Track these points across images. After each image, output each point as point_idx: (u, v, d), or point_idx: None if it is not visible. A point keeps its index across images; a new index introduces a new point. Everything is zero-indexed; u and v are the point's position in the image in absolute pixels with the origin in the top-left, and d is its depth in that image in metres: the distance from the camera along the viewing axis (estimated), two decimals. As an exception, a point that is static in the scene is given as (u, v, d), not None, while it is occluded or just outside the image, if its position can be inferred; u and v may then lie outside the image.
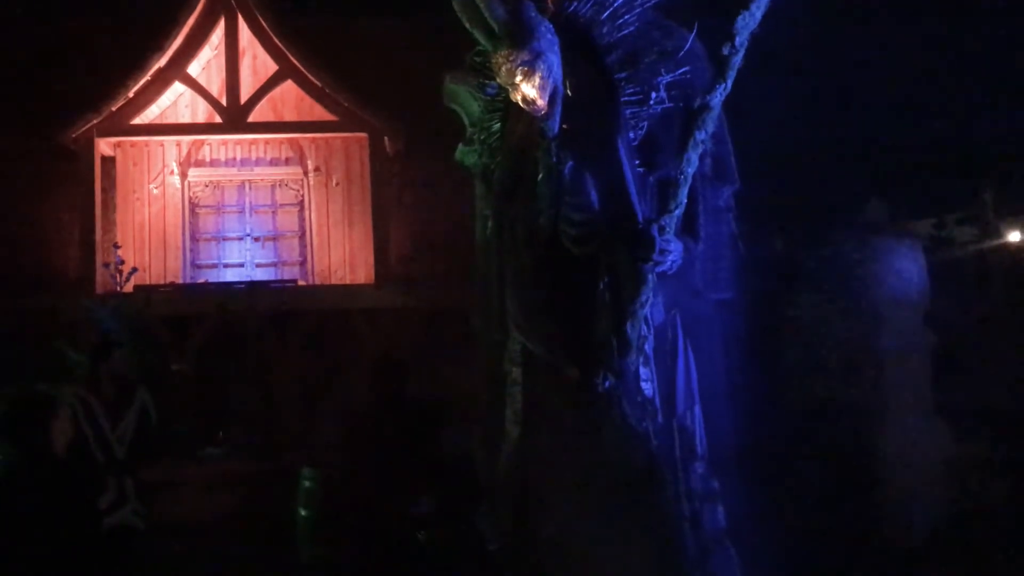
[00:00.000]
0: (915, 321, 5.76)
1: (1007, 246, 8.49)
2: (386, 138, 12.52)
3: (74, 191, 12.52)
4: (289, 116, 13.00)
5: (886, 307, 5.71)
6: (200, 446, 8.61)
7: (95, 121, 12.31)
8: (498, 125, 5.14)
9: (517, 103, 4.84)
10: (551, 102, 4.77)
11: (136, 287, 11.56)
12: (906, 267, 5.81)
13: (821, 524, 5.09)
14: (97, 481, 4.65)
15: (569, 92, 4.84)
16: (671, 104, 4.91)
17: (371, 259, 12.20)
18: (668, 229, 4.65)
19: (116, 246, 11.23)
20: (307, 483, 5.49)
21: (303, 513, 5.50)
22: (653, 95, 4.92)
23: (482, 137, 5.19)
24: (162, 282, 12.20)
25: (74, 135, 12.24)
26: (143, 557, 4.94)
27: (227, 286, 11.73)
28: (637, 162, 4.87)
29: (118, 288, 10.47)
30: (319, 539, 5.14)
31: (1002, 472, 5.31)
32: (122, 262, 10.79)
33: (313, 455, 5.52)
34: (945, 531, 5.15)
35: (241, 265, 12.87)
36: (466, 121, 5.47)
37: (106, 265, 11.03)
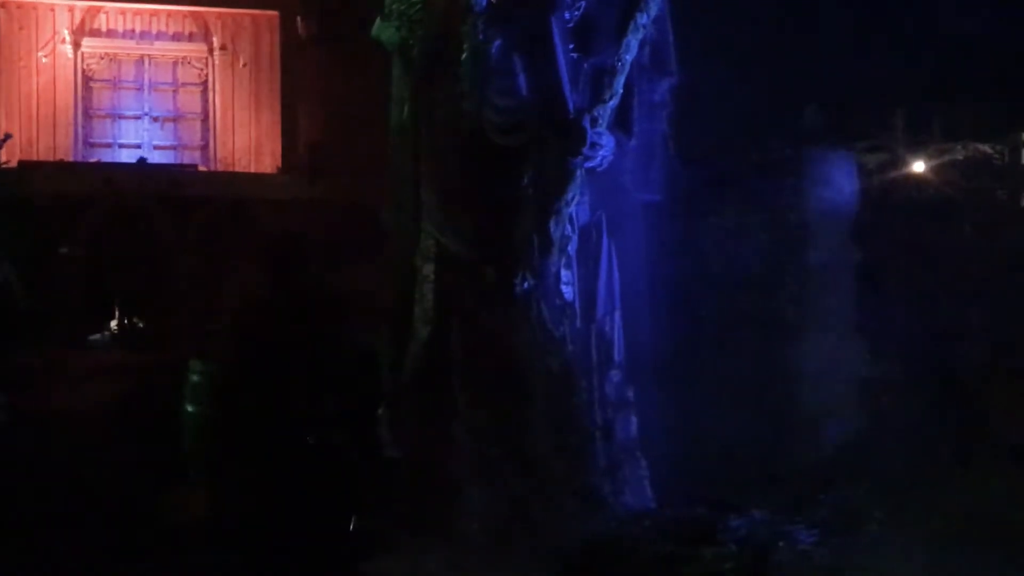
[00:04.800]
0: (842, 237, 5.63)
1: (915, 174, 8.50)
2: (299, 17, 11.78)
3: (-50, 54, 11.49)
4: (195, -13, 12.12)
5: (814, 220, 5.55)
6: (85, 333, 8.10)
7: (-26, -23, 11.23)
8: (420, -5, 4.69)
9: (443, -29, 4.42)
10: (480, -27, 4.36)
11: (21, 162, 10.75)
12: (838, 180, 5.63)
13: (732, 439, 4.99)
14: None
15: (501, -37, 4.43)
16: (613, -17, 4.54)
17: (278, 147, 11.63)
18: (601, 121, 4.34)
19: (-11, 111, 10.30)
20: (195, 377, 5.10)
21: (190, 409, 5.13)
22: (594, -28, 4.54)
23: (401, 7, 4.73)
24: (51, 159, 11.40)
25: (-50, -10, 11.14)
26: (7, 449, 4.52)
27: (116, 165, 11.01)
28: (571, 46, 4.50)
29: (-8, 156, 9.68)
30: (206, 438, 4.79)
31: (914, 394, 5.27)
32: (-5, 128, 9.92)
33: (204, 348, 5.13)
34: (853, 451, 5.11)
35: (138, 146, 12.09)
36: (385, -8, 4.97)
37: (-23, 131, 10.15)
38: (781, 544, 4.07)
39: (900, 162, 7.26)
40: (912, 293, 5.78)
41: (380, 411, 3.78)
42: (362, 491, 3.79)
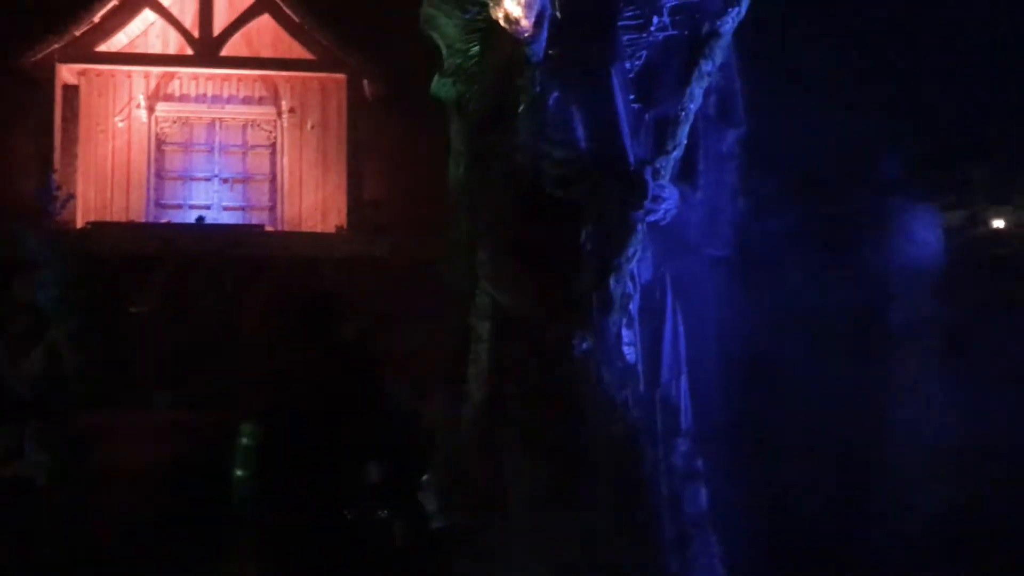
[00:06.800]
0: (928, 294, 5.27)
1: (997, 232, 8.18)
2: (365, 80, 11.93)
3: (33, 119, 11.89)
4: (264, 52, 12.37)
5: (897, 276, 5.21)
6: (144, 393, 8.08)
7: (57, 45, 11.66)
8: (476, 48, 4.54)
9: (499, 22, 4.27)
10: (537, 23, 4.20)
11: (92, 223, 10.99)
12: (922, 234, 5.30)
13: (813, 512, 4.62)
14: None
15: (558, 13, 4.27)
16: (675, 32, 4.33)
17: (344, 207, 11.69)
18: (663, 173, 4.10)
19: (52, 171, 10.57)
20: (245, 440, 4.94)
21: (239, 474, 4.97)
22: (655, 20, 4.33)
23: (458, 62, 4.60)
24: (124, 220, 11.63)
25: (34, 59, 11.56)
26: (59, 509, 4.40)
27: (180, 226, 11.17)
28: (632, 96, 4.29)
29: (54, 215, 9.88)
30: (257, 504, 4.62)
31: (1013, 462, 4.84)
32: (58, 188, 10.14)
33: (252, 410, 4.98)
34: (949, 525, 4.69)
35: (208, 207, 12.30)
36: (443, 50, 4.85)
37: (39, 190, 10.40)
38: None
39: (981, 219, 6.91)
40: (1002, 353, 5.37)
41: (424, 478, 3.54)
42: (407, 566, 3.54)
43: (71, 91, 12.12)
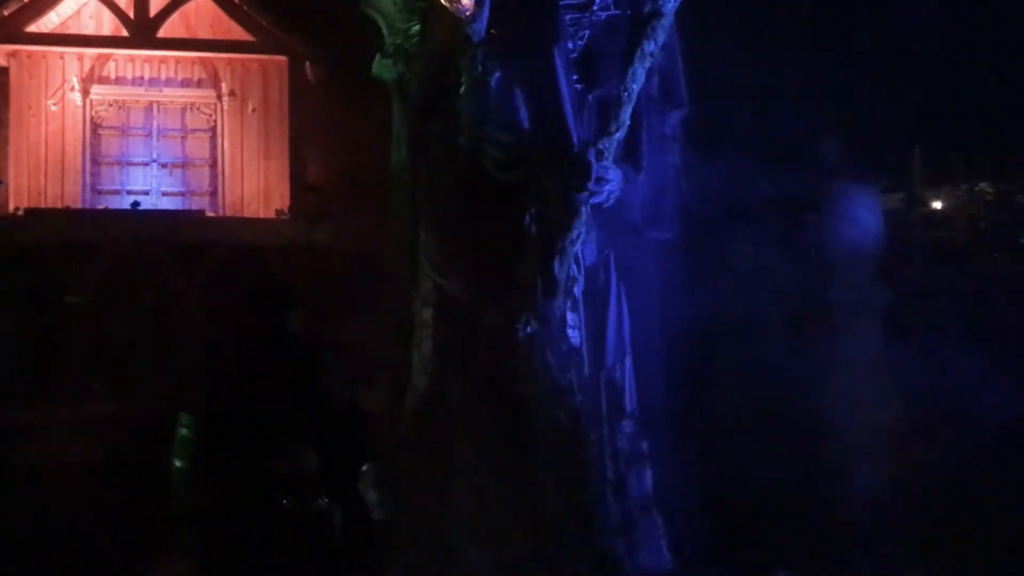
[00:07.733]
0: (868, 275, 5.34)
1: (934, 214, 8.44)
2: (308, 63, 11.73)
3: (-40, 103, 11.50)
4: (203, 34, 12.09)
5: (837, 258, 5.27)
6: (86, 385, 7.87)
7: (-16, 26, 11.27)
8: (417, 27, 4.46)
9: (439, 2, 4.19)
10: (478, 2, 4.13)
11: (26, 210, 10.67)
12: (862, 215, 5.37)
13: (756, 493, 4.65)
14: None
15: (500, -8, 4.22)
16: (617, 11, 4.30)
17: (287, 192, 11.52)
18: (607, 154, 4.07)
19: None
20: (184, 431, 4.83)
21: (178, 464, 4.86)
22: (597, 0, 4.32)
23: (398, 41, 4.51)
24: (59, 207, 11.32)
25: (-40, 40, 11.18)
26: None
27: (118, 212, 10.89)
28: (575, 77, 4.26)
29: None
30: (194, 494, 4.51)
31: (952, 442, 4.93)
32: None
33: (191, 400, 4.87)
34: (890, 503, 4.76)
35: (146, 193, 12.02)
36: (384, 30, 4.76)
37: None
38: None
39: (918, 202, 7.08)
40: (942, 335, 5.47)
41: (365, 468, 3.47)
42: (346, 557, 3.48)
43: (1, 73, 11.75)
